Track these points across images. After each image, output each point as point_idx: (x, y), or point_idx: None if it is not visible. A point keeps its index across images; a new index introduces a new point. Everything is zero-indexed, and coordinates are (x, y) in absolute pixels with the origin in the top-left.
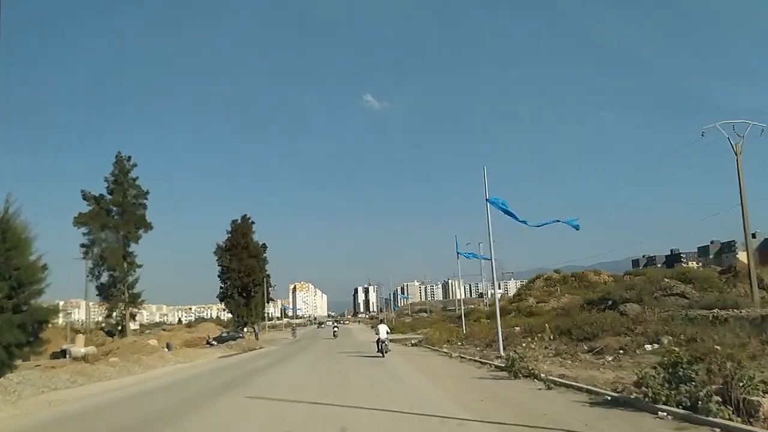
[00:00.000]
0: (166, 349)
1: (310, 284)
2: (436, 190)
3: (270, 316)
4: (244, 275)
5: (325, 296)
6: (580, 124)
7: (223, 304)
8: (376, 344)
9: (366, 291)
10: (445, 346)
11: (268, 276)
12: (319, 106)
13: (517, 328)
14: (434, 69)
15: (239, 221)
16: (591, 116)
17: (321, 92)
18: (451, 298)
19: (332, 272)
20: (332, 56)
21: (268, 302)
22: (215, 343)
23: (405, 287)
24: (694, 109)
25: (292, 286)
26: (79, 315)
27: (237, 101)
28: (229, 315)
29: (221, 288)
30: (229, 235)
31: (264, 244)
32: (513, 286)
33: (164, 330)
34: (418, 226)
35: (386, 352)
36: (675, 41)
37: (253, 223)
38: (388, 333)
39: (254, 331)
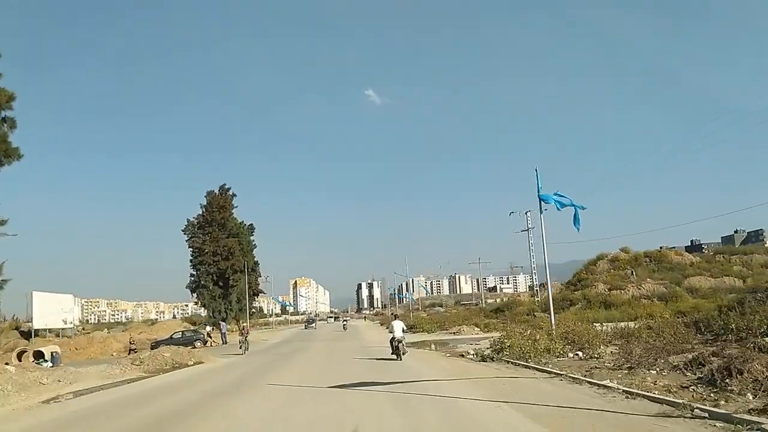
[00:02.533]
0: (50, 364)
1: (311, 280)
2: (439, 187)
3: (270, 312)
4: (220, 259)
5: (327, 292)
6: (580, 115)
7: (194, 296)
8: (390, 344)
9: (370, 286)
10: (550, 361)
11: (257, 263)
12: (319, 99)
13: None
14: (437, 63)
15: (216, 192)
16: (593, 110)
17: (322, 86)
18: (458, 292)
19: (335, 269)
20: (334, 49)
21: (256, 295)
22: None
23: (411, 282)
24: (698, 105)
25: (293, 282)
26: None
27: (237, 95)
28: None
29: (192, 276)
30: (203, 210)
31: (251, 225)
32: (522, 281)
33: (126, 329)
34: (422, 222)
35: (403, 354)
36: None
37: (234, 195)
38: (404, 331)
39: (221, 331)
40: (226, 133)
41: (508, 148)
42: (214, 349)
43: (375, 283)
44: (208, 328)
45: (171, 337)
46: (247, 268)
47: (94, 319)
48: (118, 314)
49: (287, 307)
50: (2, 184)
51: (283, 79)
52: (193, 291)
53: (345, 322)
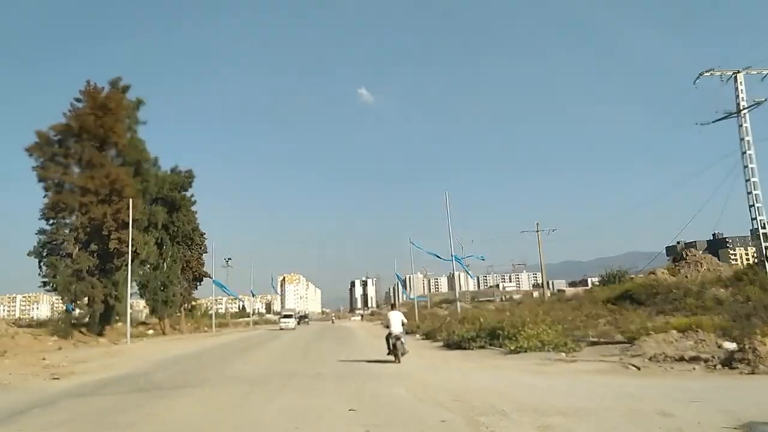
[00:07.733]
0: None
1: (300, 276)
2: (434, 183)
3: (254, 311)
4: (95, 201)
5: (318, 291)
6: (578, 114)
7: (43, 270)
8: (386, 342)
9: (364, 285)
10: None
11: (196, 231)
12: (314, 99)
13: None
14: (431, 60)
15: (104, 90)
16: (590, 106)
17: (317, 85)
18: (459, 290)
19: (327, 268)
20: (327, 49)
21: (199, 280)
22: None
23: (409, 279)
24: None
25: (281, 278)
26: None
27: (236, 94)
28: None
29: (41, 234)
30: (68, 117)
31: (189, 171)
32: (525, 278)
33: None
34: (417, 220)
35: (402, 354)
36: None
37: (141, 103)
38: (404, 324)
39: None
40: (221, 131)
41: (508, 141)
42: None
43: (369, 281)
44: None
45: None
46: (183, 234)
47: None
48: None
49: (272, 305)
50: None
51: (281, 79)
52: (41, 260)
53: (333, 318)
